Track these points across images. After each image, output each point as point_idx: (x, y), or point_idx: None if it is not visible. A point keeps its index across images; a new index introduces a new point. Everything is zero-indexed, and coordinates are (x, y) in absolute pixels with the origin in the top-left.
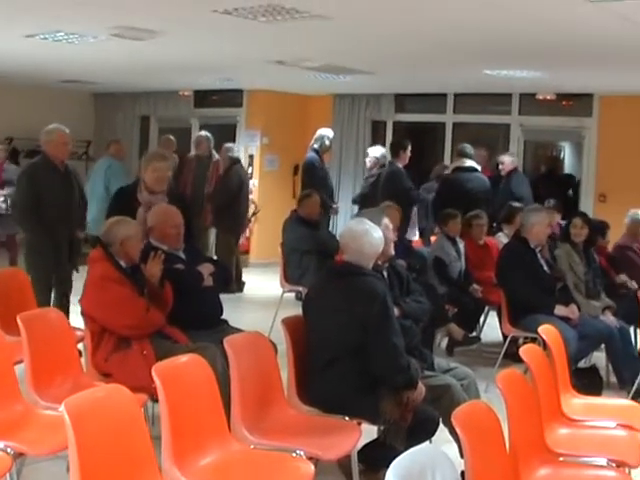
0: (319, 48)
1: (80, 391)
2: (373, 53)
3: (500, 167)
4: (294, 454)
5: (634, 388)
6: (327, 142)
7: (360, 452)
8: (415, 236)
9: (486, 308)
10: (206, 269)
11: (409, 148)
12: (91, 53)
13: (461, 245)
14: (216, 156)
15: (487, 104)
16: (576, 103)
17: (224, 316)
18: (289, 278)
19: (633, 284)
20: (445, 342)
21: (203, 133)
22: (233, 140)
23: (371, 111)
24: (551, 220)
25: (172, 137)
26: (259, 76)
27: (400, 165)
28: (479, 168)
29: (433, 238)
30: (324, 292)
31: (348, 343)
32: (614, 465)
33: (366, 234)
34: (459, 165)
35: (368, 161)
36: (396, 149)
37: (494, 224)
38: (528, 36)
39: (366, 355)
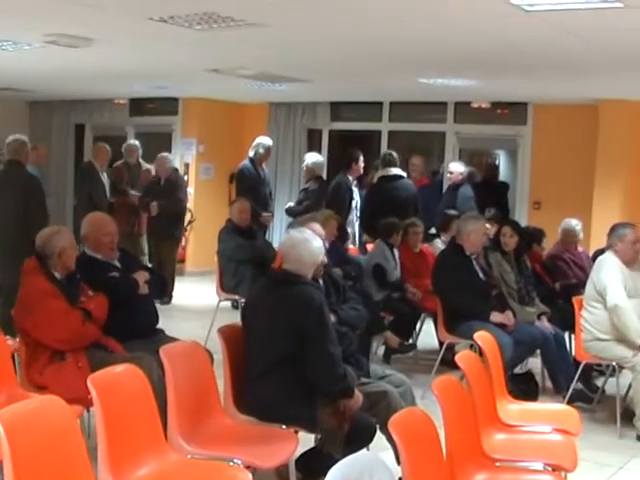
0: (254, 56)
1: (14, 403)
2: (308, 61)
3: (448, 176)
4: (231, 463)
5: (569, 393)
6: (261, 150)
7: (298, 461)
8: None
9: (422, 315)
10: (141, 276)
11: (361, 159)
12: (25, 61)
13: (397, 253)
14: (145, 165)
15: (422, 112)
16: (511, 111)
17: (160, 325)
18: (225, 287)
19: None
20: (382, 349)
21: (133, 142)
22: (169, 149)
23: (307, 119)
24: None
25: (106, 145)
26: (195, 84)
27: (351, 177)
28: (404, 174)
29: (369, 246)
30: (262, 300)
31: (285, 351)
32: (550, 469)
33: (306, 243)
34: (384, 174)
35: (303, 169)
36: (347, 161)
37: (433, 232)
38: (463, 45)
39: (303, 364)
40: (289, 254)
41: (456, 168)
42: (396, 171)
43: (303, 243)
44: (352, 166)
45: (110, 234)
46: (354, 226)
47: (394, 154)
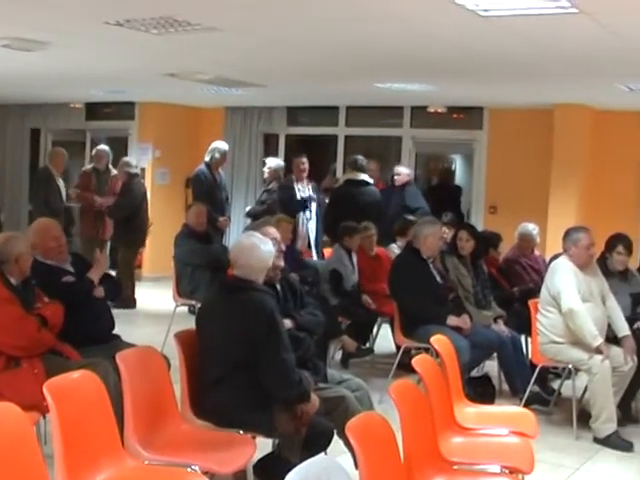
0: (211, 61)
1: None
2: (265, 66)
3: (395, 178)
4: (189, 469)
5: (526, 396)
6: (217, 155)
7: (255, 466)
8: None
9: (379, 319)
10: (95, 274)
11: (302, 161)
12: None
13: (355, 258)
14: (114, 171)
15: (379, 117)
16: (467, 116)
17: (116, 331)
18: (181, 292)
19: None
20: (339, 354)
21: (103, 147)
22: (125, 153)
23: (263, 124)
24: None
25: (63, 150)
26: (151, 89)
27: (295, 178)
28: (371, 181)
29: (326, 250)
30: (215, 307)
31: (239, 358)
32: (507, 472)
33: (255, 248)
34: (351, 178)
35: (265, 172)
36: (291, 164)
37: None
38: (419, 50)
39: (257, 370)
40: (238, 260)
41: (403, 170)
42: (364, 177)
43: (251, 248)
44: (292, 167)
45: (56, 238)
46: (308, 229)
47: (362, 158)
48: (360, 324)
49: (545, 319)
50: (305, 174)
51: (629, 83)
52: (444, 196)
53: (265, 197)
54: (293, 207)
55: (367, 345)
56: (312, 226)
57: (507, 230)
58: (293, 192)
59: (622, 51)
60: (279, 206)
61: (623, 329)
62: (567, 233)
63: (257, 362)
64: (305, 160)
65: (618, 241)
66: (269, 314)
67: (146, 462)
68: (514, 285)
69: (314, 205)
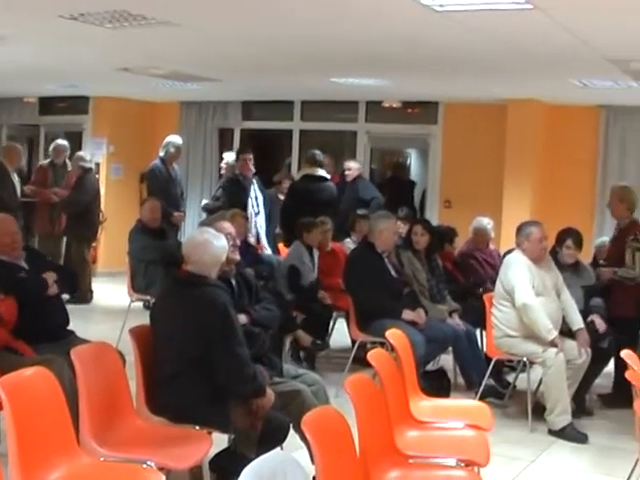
0: (165, 55)
1: None
2: (219, 61)
3: (346, 173)
4: (145, 465)
5: (481, 389)
6: (172, 149)
7: (212, 461)
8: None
9: (335, 314)
10: (50, 277)
11: (247, 156)
12: None
13: (316, 254)
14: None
15: (334, 111)
16: (422, 111)
17: (71, 327)
18: (136, 287)
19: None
20: (301, 352)
21: (61, 142)
22: (79, 148)
23: (218, 119)
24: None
25: (17, 145)
26: (105, 83)
27: (239, 172)
28: (329, 177)
29: (281, 245)
30: (168, 302)
31: (193, 353)
32: (463, 465)
33: (208, 243)
34: (309, 173)
35: (223, 167)
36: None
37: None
38: (374, 45)
39: (212, 365)
40: (191, 255)
41: (353, 164)
42: (322, 172)
43: (205, 244)
44: (238, 162)
45: (10, 234)
46: (256, 223)
47: (320, 153)
48: (316, 319)
49: (500, 313)
50: (251, 168)
51: (582, 79)
52: (398, 191)
53: (220, 193)
54: (243, 201)
55: (326, 340)
56: (260, 220)
57: (462, 224)
58: (241, 186)
59: (575, 47)
60: (228, 200)
61: (577, 322)
62: (519, 228)
63: (211, 357)
64: (251, 155)
65: (567, 235)
66: (223, 309)
67: (102, 459)
68: (468, 279)
69: (261, 199)
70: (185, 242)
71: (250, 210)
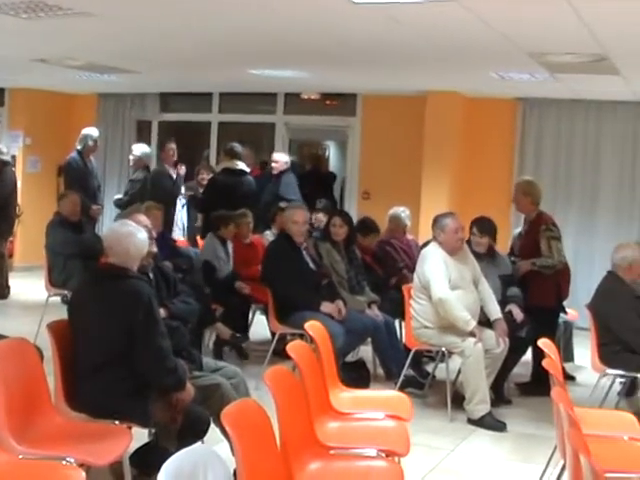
0: (82, 46)
1: None
2: (136, 52)
3: (273, 165)
4: (64, 462)
5: (400, 379)
6: (89, 142)
7: (132, 456)
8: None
9: (254, 306)
10: None
11: (170, 147)
12: None
13: (230, 246)
14: None
15: (252, 103)
16: (340, 103)
17: None
18: (54, 282)
19: None
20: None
21: None
22: None
23: (136, 111)
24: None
25: None
26: (22, 74)
27: (166, 165)
28: (248, 170)
29: (199, 238)
30: (88, 295)
31: (114, 347)
32: (384, 455)
33: (130, 236)
34: (229, 167)
35: (131, 159)
36: (159, 150)
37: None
38: (291, 36)
39: (133, 359)
40: (114, 248)
41: (280, 157)
42: (242, 165)
43: (128, 236)
44: (162, 154)
45: None
46: (181, 216)
47: (239, 146)
48: (235, 312)
49: (418, 305)
50: (174, 160)
51: (500, 71)
52: (318, 182)
53: (129, 187)
54: (170, 194)
55: (246, 333)
56: (184, 214)
57: (380, 216)
58: (169, 179)
59: (493, 39)
60: (152, 194)
61: (495, 312)
62: (435, 220)
63: (133, 350)
64: (174, 146)
65: (473, 223)
66: (146, 301)
67: (20, 456)
68: (388, 271)
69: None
70: (107, 234)
71: (178, 204)
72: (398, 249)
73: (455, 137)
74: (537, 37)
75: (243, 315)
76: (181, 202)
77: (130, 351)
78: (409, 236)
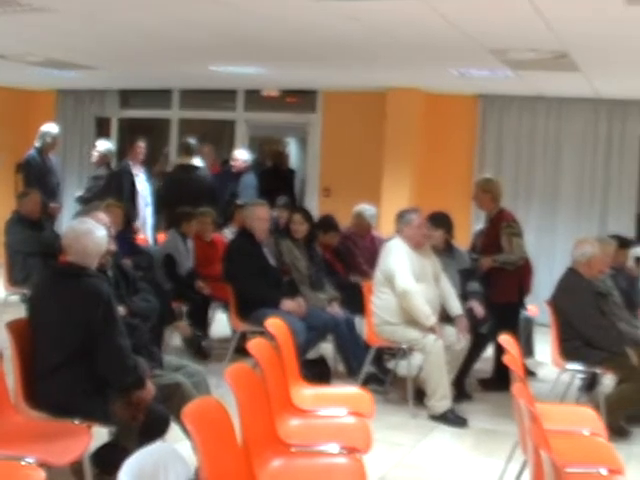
0: (41, 42)
1: None
2: (96, 48)
3: (232, 163)
4: (23, 462)
5: (362, 376)
6: (49, 139)
7: (93, 455)
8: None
9: (215, 304)
10: None
11: (140, 144)
12: None
13: (190, 243)
14: None
15: (213, 100)
16: (300, 99)
17: None
18: (13, 280)
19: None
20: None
21: None
22: None
23: (96, 107)
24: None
25: None
26: None
27: (131, 162)
28: (202, 165)
29: (160, 235)
30: (47, 294)
31: (73, 346)
32: (345, 452)
33: (90, 233)
34: (183, 163)
35: (94, 156)
36: (126, 146)
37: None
38: (252, 32)
39: (93, 357)
40: (72, 246)
41: (240, 155)
42: (196, 161)
43: (86, 234)
44: (130, 151)
45: None
46: (144, 214)
47: (193, 142)
48: (195, 309)
49: (379, 300)
50: (142, 158)
51: (460, 68)
52: (278, 179)
53: (91, 184)
54: (133, 192)
55: (206, 331)
56: (149, 211)
57: (341, 213)
58: (133, 178)
59: (453, 36)
60: (116, 191)
61: (456, 309)
62: (400, 215)
63: (92, 349)
64: (143, 144)
65: (428, 218)
66: (105, 300)
67: None
68: (348, 266)
69: (149, 190)
70: (65, 232)
71: (140, 201)
72: (360, 246)
73: (416, 133)
74: (498, 34)
75: (203, 313)
76: (144, 200)
77: (89, 350)
78: (375, 233)
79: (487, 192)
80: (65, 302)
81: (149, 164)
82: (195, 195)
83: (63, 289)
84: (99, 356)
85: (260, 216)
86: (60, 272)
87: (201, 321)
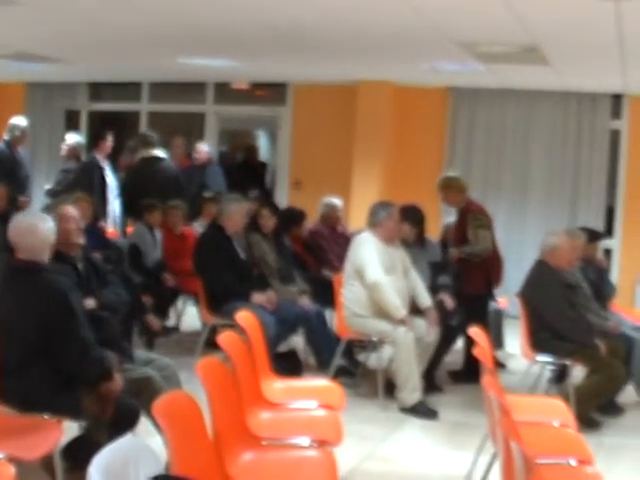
0: (9, 35)
1: None
2: (64, 41)
3: (195, 156)
4: None
5: (332, 369)
6: (17, 132)
7: (64, 450)
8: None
9: (185, 297)
10: None
11: (109, 138)
12: None
13: (158, 234)
14: None
15: (182, 93)
16: (270, 92)
17: None
18: None
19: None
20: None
21: None
22: None
23: (65, 100)
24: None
25: None
26: None
27: (100, 156)
28: (164, 156)
29: (130, 228)
30: (5, 291)
31: (38, 342)
32: (316, 445)
33: (33, 227)
34: (145, 156)
35: (64, 149)
36: (95, 140)
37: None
38: (220, 23)
39: (56, 353)
40: (19, 242)
41: (202, 148)
42: (157, 153)
43: (30, 228)
44: (99, 144)
45: None
46: (113, 208)
47: (153, 135)
48: (164, 302)
49: (349, 293)
50: (109, 152)
51: (431, 61)
52: (249, 172)
53: (61, 177)
54: (102, 186)
55: (169, 322)
56: (117, 204)
57: (311, 205)
58: (102, 171)
59: (423, 29)
60: (86, 185)
61: (426, 301)
62: (373, 208)
63: (54, 345)
64: (111, 138)
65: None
66: (62, 294)
67: None
68: (319, 260)
69: (115, 184)
70: (10, 230)
71: (110, 195)
72: (329, 238)
73: (386, 126)
74: (468, 27)
75: (167, 305)
76: (113, 193)
77: (51, 346)
78: (341, 226)
79: (449, 188)
80: (22, 299)
81: (115, 157)
82: (161, 187)
83: (18, 286)
84: (63, 350)
85: (238, 212)
86: (15, 269)
87: (162, 313)
